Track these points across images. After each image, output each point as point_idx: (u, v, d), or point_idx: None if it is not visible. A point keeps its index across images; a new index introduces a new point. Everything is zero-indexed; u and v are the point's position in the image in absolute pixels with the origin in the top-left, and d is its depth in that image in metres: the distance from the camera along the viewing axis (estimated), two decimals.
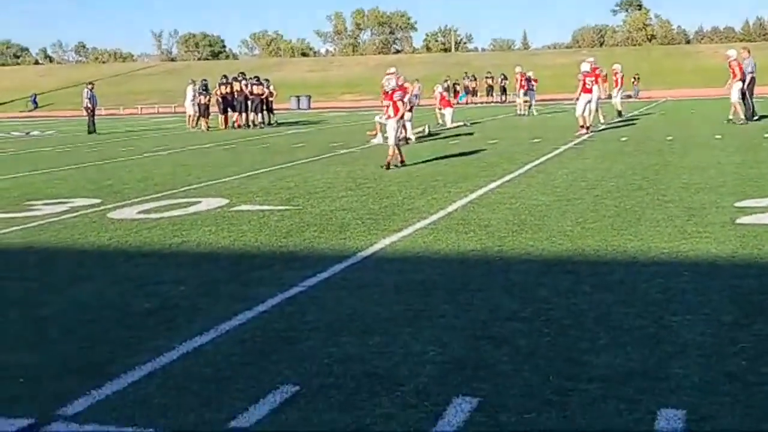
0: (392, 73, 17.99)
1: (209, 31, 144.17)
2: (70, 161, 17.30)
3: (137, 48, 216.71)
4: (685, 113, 27.38)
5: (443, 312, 5.02)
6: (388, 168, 12.55)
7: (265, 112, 29.40)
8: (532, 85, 31.09)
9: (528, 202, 9.00)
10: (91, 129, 28.44)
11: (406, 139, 18.67)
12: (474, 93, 51.47)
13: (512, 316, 4.89)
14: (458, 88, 51.65)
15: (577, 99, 19.08)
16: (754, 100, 20.83)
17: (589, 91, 18.86)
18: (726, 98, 21.48)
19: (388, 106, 13.00)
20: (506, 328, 4.66)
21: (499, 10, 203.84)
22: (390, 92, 13.03)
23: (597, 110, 20.41)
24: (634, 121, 23.54)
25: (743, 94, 20.24)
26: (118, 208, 9.89)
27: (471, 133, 20.60)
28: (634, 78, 49.17)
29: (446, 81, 51.54)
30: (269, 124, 29.15)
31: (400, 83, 17.95)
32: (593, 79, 19.22)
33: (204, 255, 7.09)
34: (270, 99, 29.89)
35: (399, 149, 13.03)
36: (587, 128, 18.59)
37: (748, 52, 21.16)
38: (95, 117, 29.38)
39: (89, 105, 29.09)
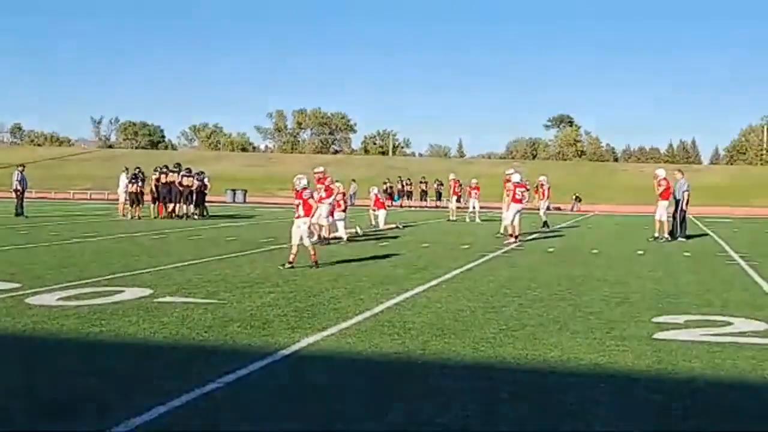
0: (320, 172, 18.27)
1: (149, 120, 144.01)
2: None
3: (76, 133, 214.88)
4: (611, 228, 28.29)
5: (359, 416, 4.98)
6: (292, 266, 12.43)
7: (200, 205, 29.30)
8: (476, 193, 31.14)
9: (453, 307, 9.09)
10: (19, 211, 27.80)
11: (337, 239, 18.78)
12: (409, 196, 52.35)
13: (429, 421, 4.88)
14: (394, 190, 52.50)
15: (507, 208, 19.59)
16: (686, 218, 21.50)
17: (519, 201, 19.41)
18: (652, 216, 22.28)
19: (298, 205, 12.85)
20: None
21: (436, 118, 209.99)
22: (300, 191, 12.91)
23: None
24: (562, 233, 24.18)
25: (676, 213, 21.03)
26: (38, 293, 9.61)
27: (397, 237, 20.83)
28: (576, 197, 51.49)
29: (385, 183, 52.43)
30: (201, 215, 28.98)
31: (326, 183, 18.16)
32: (523, 189, 19.82)
33: (121, 346, 6.91)
34: (204, 191, 29.82)
35: (314, 250, 12.87)
36: (516, 237, 19.02)
37: (682, 173, 22.08)
38: (24, 200, 28.75)
39: (18, 187, 28.53)
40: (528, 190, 25.69)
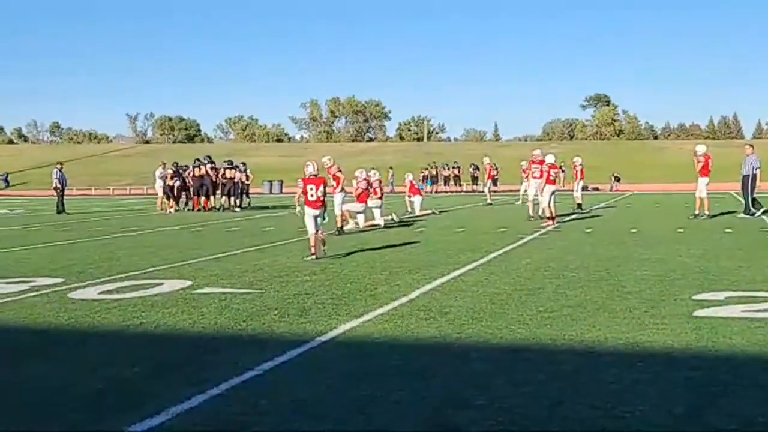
0: (325, 161, 17.88)
1: (185, 115, 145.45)
2: (36, 240, 17.16)
3: (112, 129, 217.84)
4: (650, 207, 27.92)
5: (398, 398, 5.00)
6: (316, 257, 12.05)
7: (242, 197, 29.68)
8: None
9: (489, 290, 9.06)
10: (60, 209, 28.34)
11: (374, 226, 18.82)
12: (455, 181, 52.07)
13: (466, 403, 4.88)
14: (438, 175, 52.28)
15: (542, 191, 19.43)
16: (756, 195, 21.07)
17: (553, 182, 19.29)
18: (692, 193, 21.94)
19: (306, 194, 12.27)
20: (459, 416, 4.65)
21: (471, 102, 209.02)
22: (309, 178, 12.39)
23: (535, 202, 20.92)
24: (600, 214, 23.95)
25: (744, 190, 20.62)
26: (80, 288, 9.79)
27: (434, 223, 20.79)
28: (615, 177, 51.02)
29: (426, 170, 52.31)
30: (242, 207, 29.25)
31: (333, 173, 17.78)
32: (557, 170, 19.67)
33: (161, 337, 7.02)
34: (246, 183, 30.18)
35: (323, 241, 12.35)
36: (553, 219, 18.88)
37: (752, 147, 21.52)
38: (64, 197, 29.32)
39: (58, 185, 29.09)
40: (563, 171, 25.32)
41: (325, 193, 12.54)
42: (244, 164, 30.59)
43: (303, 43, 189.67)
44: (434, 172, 52.58)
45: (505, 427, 4.43)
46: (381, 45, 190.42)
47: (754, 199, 20.71)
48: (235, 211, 27.80)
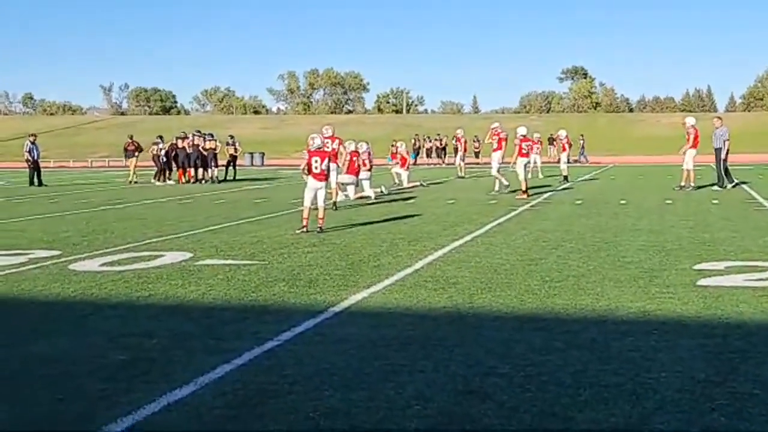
0: (329, 130, 17.71)
1: (161, 86, 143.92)
2: (24, 212, 16.99)
3: (86, 101, 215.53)
4: (635, 178, 28.14)
5: (422, 367, 5.06)
6: (306, 230, 11.95)
7: (227, 169, 29.80)
8: (537, 148, 28.29)
9: (493, 261, 9.14)
10: (33, 181, 27.90)
11: (364, 197, 18.82)
12: (428, 154, 51.89)
13: (491, 371, 4.94)
14: (421, 148, 51.91)
15: (514, 164, 19.39)
16: (728, 165, 21.30)
17: (526, 155, 19.24)
18: (675, 165, 22.15)
19: (310, 166, 12.12)
20: (487, 383, 4.71)
21: (449, 74, 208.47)
22: (315, 150, 12.29)
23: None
24: (586, 185, 24.12)
25: (718, 162, 20.84)
26: (79, 260, 9.74)
27: (423, 195, 20.83)
28: (581, 139, 49.55)
29: (413, 141, 52.04)
30: (230, 180, 29.23)
31: (334, 145, 17.56)
32: (529, 143, 19.62)
33: (173, 308, 7.02)
34: (235, 155, 30.34)
35: (324, 214, 12.23)
36: (527, 192, 18.84)
37: (721, 120, 21.74)
38: (40, 169, 28.84)
39: (30, 157, 28.61)
40: (540, 144, 24.95)
41: (329, 167, 12.54)
42: (232, 137, 30.71)
43: (280, 13, 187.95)
44: (418, 145, 52.36)
45: (533, 395, 4.49)
46: (359, 16, 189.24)
47: (726, 171, 20.95)
48: (214, 183, 27.65)
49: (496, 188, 20.45)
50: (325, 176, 12.32)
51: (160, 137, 30.11)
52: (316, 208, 12.15)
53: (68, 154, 66.04)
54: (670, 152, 21.87)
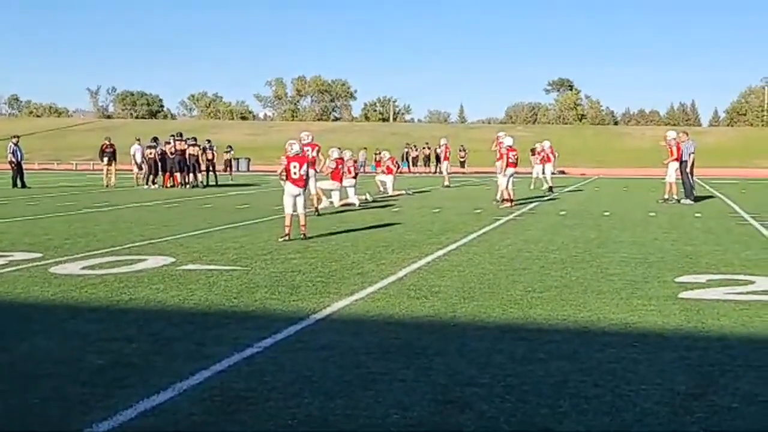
0: (309, 136, 17.54)
1: (147, 90, 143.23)
2: (6, 214, 16.85)
3: (72, 104, 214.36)
4: (619, 190, 28.26)
5: (403, 376, 5.04)
6: (289, 238, 11.78)
7: (208, 173, 29.53)
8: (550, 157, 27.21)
9: (475, 271, 9.14)
10: (16, 183, 27.68)
11: (349, 205, 18.81)
12: (414, 162, 51.96)
13: (471, 381, 4.93)
14: (411, 156, 51.90)
15: (504, 173, 19.36)
16: (694, 179, 21.49)
17: (514, 165, 19.25)
18: (658, 178, 22.29)
19: (288, 171, 11.98)
20: (467, 393, 4.70)
21: (436, 84, 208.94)
22: (293, 156, 12.09)
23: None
24: (571, 196, 24.19)
25: (683, 175, 21.01)
26: (61, 263, 9.66)
27: (408, 203, 20.82)
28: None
29: (406, 149, 52.08)
30: (210, 185, 28.99)
31: (314, 153, 17.35)
32: (516, 153, 19.60)
33: (154, 313, 6.96)
34: (212, 161, 30.01)
35: (305, 221, 12.16)
36: (511, 201, 18.94)
37: (687, 135, 22.06)
38: (23, 171, 28.59)
39: (13, 159, 28.38)
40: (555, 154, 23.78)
41: (308, 173, 12.44)
42: (208, 141, 30.44)
43: (268, 20, 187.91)
44: (414, 153, 52.13)
45: (513, 405, 4.48)
46: (347, 24, 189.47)
47: (689, 184, 21.10)
48: (200, 188, 27.54)
49: (498, 196, 20.31)
50: (304, 182, 12.22)
51: (155, 139, 29.85)
52: (298, 214, 12.09)
53: (53, 156, 65.60)
54: (655, 165, 22.04)
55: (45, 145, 74.07)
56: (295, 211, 12.05)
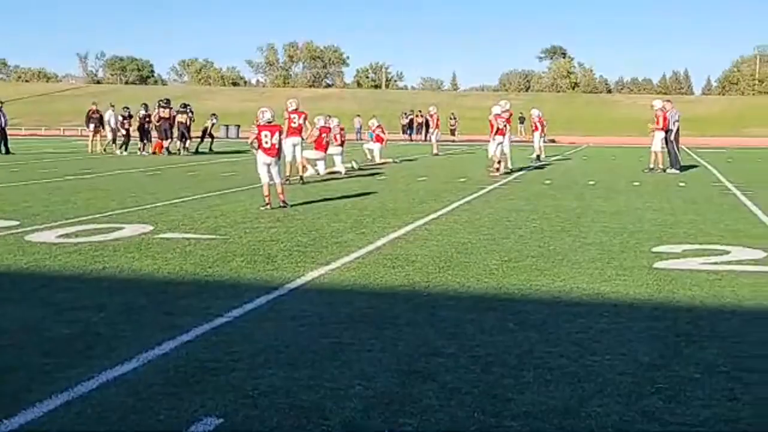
0: (293, 103, 17.22)
1: (137, 55, 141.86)
2: None
3: (62, 68, 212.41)
4: (606, 160, 28.26)
5: (370, 346, 5.04)
6: (270, 206, 11.65)
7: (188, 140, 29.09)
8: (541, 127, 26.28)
9: (454, 240, 9.13)
10: (0, 149, 27.35)
11: (335, 173, 18.74)
12: (404, 130, 51.65)
13: (438, 351, 4.94)
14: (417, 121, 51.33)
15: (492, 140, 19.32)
16: (679, 148, 21.51)
17: (502, 132, 19.17)
18: (647, 147, 22.28)
19: (260, 140, 11.83)
20: (432, 363, 4.70)
21: (429, 50, 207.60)
22: (264, 125, 11.91)
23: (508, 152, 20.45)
24: (558, 165, 24.18)
25: (668, 144, 20.99)
26: (37, 231, 9.60)
27: (394, 171, 20.76)
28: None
29: (407, 115, 51.67)
30: (188, 151, 28.53)
31: (300, 120, 17.10)
32: (504, 121, 19.54)
33: (126, 281, 6.94)
34: (187, 125, 28.97)
35: (282, 189, 12.10)
36: (497, 169, 18.92)
37: (671, 103, 22.01)
38: (7, 137, 28.22)
39: None
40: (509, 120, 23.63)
41: (280, 141, 12.25)
42: (186, 105, 29.37)
43: None
44: (419, 120, 51.49)
45: (477, 376, 4.49)
46: None
47: (675, 154, 21.06)
48: (186, 155, 27.33)
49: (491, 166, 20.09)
50: (276, 151, 11.98)
51: (145, 105, 29.48)
52: (275, 183, 11.99)
53: (41, 121, 65.10)
54: (645, 134, 22.05)
55: (33, 110, 73.50)
56: (271, 180, 11.90)
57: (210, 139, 30.96)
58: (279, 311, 5.94)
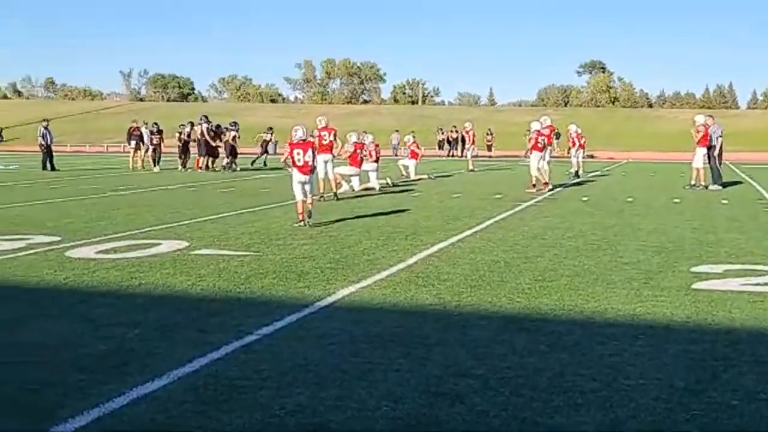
0: (322, 121, 17.35)
1: (179, 73, 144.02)
2: (31, 197, 17.07)
3: (106, 86, 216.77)
4: (646, 176, 27.91)
5: (398, 366, 5.01)
6: (304, 223, 11.70)
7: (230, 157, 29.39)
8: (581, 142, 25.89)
9: (487, 258, 9.07)
10: (46, 166, 27.98)
11: (369, 189, 18.77)
12: (440, 146, 51.60)
13: (467, 373, 4.89)
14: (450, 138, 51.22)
15: (527, 156, 19.27)
16: (721, 164, 21.20)
17: (541, 149, 19.09)
18: (688, 162, 21.95)
19: (294, 159, 11.87)
20: (461, 385, 4.66)
21: (466, 66, 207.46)
22: (296, 143, 11.93)
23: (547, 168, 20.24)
24: (596, 181, 23.94)
25: (710, 160, 20.68)
26: (77, 246, 9.75)
27: (429, 187, 20.72)
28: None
29: (441, 131, 51.70)
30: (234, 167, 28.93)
31: (331, 137, 17.12)
32: (545, 138, 19.48)
33: (161, 298, 7.01)
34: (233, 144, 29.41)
35: (309, 213, 11.87)
36: (534, 186, 18.83)
37: (713, 118, 21.69)
38: (53, 154, 28.86)
39: (43, 142, 28.70)
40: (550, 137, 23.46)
41: (313, 158, 12.28)
42: (235, 123, 30.06)
43: (298, 1, 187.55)
44: (455, 136, 51.37)
45: (506, 398, 4.44)
46: (377, 6, 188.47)
47: (718, 171, 20.71)
48: (233, 171, 27.60)
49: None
50: (310, 168, 11.98)
51: (191, 123, 29.93)
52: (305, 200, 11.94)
53: (86, 138, 66.32)
54: (686, 149, 21.70)
55: (78, 128, 74.92)
56: (305, 197, 11.96)
57: (266, 154, 31.42)
58: (308, 329, 5.94)
